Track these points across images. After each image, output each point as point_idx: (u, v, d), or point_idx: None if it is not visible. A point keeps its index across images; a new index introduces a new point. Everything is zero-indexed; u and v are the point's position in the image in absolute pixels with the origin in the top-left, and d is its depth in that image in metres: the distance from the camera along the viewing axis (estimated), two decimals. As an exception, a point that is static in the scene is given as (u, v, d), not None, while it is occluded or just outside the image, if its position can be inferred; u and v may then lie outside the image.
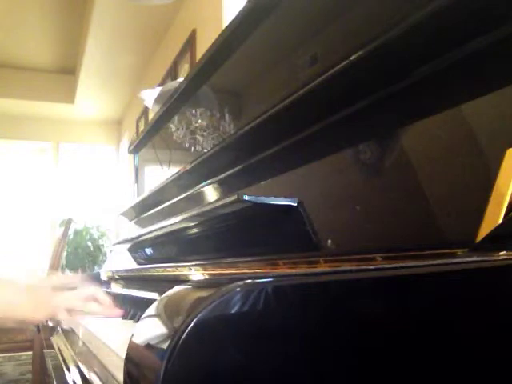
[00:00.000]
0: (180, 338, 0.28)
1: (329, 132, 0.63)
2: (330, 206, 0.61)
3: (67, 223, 2.48)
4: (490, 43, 0.44)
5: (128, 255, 1.48)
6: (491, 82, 0.44)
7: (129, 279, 1.35)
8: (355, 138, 0.59)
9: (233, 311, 0.29)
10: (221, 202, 0.70)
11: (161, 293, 0.38)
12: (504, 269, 0.35)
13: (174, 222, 0.89)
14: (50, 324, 1.41)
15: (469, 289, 0.34)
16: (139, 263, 1.39)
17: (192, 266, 0.90)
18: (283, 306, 0.31)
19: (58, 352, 1.18)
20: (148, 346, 0.33)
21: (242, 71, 0.94)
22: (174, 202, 1.17)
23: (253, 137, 0.80)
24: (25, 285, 0.69)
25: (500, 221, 0.38)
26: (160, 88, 1.78)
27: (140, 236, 1.17)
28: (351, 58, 0.54)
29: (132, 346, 0.35)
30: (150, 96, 1.78)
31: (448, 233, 0.45)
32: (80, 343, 0.84)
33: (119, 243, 1.46)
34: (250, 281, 0.30)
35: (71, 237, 4.38)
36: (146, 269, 1.23)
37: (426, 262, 0.37)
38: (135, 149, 1.71)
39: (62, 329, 1.21)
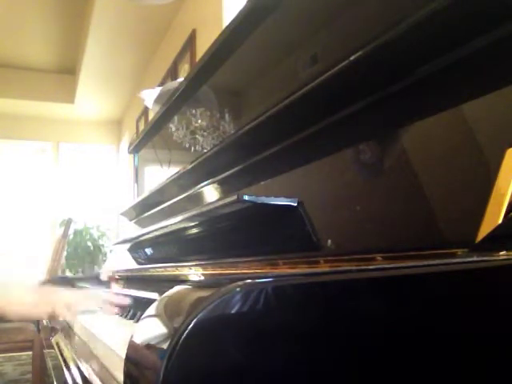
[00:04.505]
0: (180, 338, 0.28)
1: (329, 132, 0.63)
2: (330, 205, 0.61)
3: (67, 223, 2.48)
4: (490, 43, 0.43)
5: (128, 255, 1.48)
6: (491, 82, 0.44)
7: (129, 279, 1.35)
8: (355, 138, 0.59)
9: (233, 311, 0.29)
10: (221, 202, 0.70)
11: (161, 293, 0.38)
12: (504, 269, 0.35)
13: (174, 222, 0.89)
14: (50, 324, 1.41)
15: (469, 289, 0.34)
16: (139, 263, 1.39)
17: (192, 265, 0.90)
18: (283, 306, 0.31)
19: (57, 352, 1.18)
20: (148, 345, 0.33)
21: (242, 71, 0.94)
22: (174, 202, 1.17)
23: (253, 137, 0.79)
24: (27, 284, 0.75)
25: (500, 221, 0.38)
26: (160, 88, 1.78)
27: (140, 236, 1.17)
28: (351, 58, 0.54)
29: (132, 346, 0.35)
30: (150, 96, 1.78)
31: (448, 233, 0.45)
32: (80, 343, 0.84)
33: (119, 243, 1.46)
34: (249, 281, 0.30)
35: (71, 237, 4.38)
36: (146, 269, 1.23)
37: (426, 262, 0.37)
38: (135, 149, 1.71)
39: (62, 329, 1.20)
